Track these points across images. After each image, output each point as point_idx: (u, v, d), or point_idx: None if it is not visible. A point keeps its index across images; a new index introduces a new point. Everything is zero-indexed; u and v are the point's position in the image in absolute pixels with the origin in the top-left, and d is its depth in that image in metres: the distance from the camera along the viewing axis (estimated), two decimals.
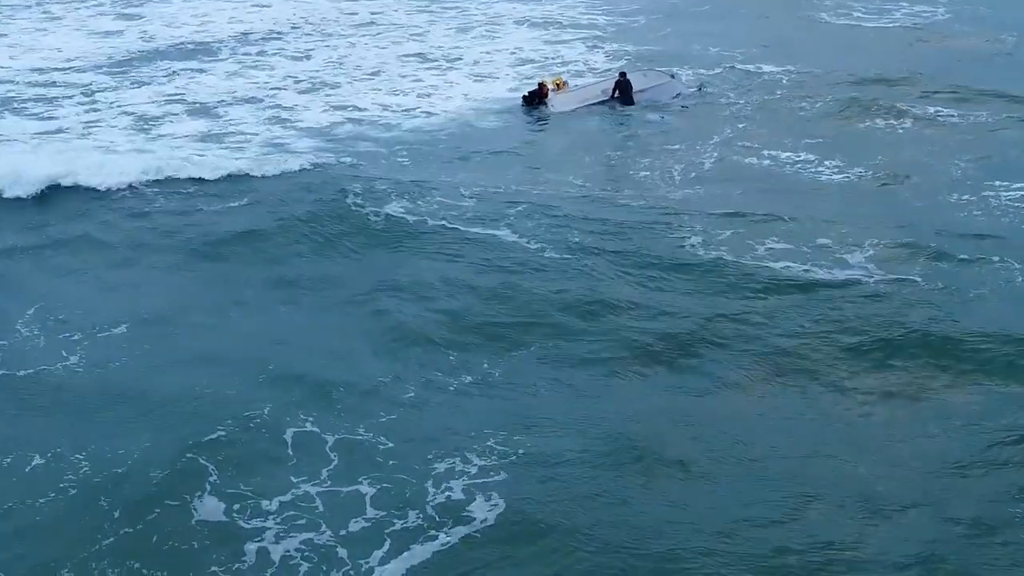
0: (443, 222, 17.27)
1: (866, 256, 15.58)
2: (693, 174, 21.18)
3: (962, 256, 15.50)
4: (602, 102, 27.14)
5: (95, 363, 12.90)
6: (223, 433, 11.11)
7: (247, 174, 19.86)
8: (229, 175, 19.79)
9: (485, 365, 12.68)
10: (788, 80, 28.56)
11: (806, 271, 15.10)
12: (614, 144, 24.06)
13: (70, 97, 27.59)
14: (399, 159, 22.37)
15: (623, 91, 27.05)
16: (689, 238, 16.36)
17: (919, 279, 14.75)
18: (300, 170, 20.23)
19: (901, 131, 23.72)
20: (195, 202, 18.74)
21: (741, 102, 26.83)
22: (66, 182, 19.48)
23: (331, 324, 13.97)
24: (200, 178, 19.63)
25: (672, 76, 28.31)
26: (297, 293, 15.04)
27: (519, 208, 17.90)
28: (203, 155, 21.25)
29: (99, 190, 19.30)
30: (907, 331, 13.15)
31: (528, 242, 16.39)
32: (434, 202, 18.17)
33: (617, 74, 27.63)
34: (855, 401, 11.87)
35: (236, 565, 9.40)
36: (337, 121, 25.57)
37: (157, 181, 19.60)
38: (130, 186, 19.42)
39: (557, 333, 13.47)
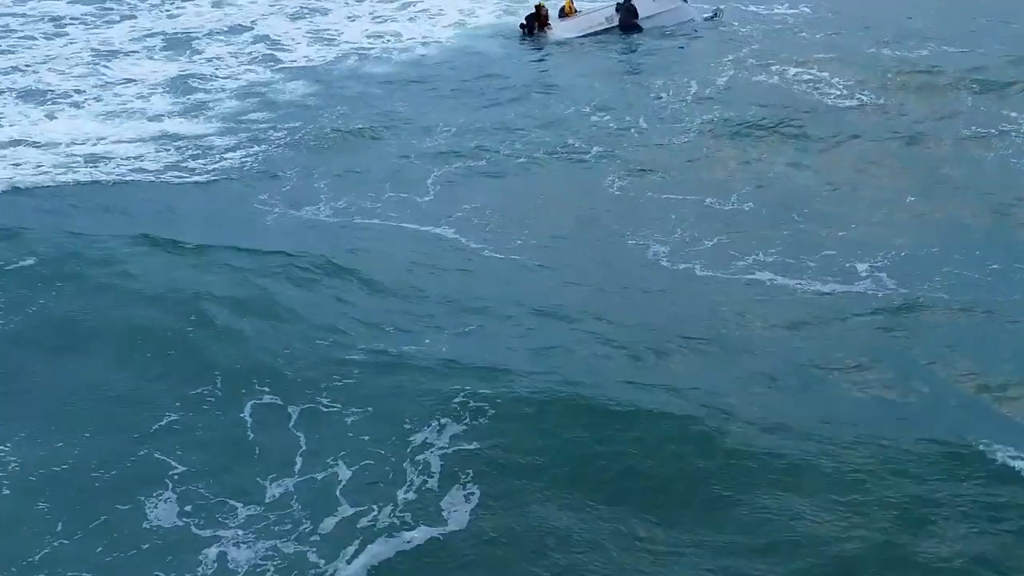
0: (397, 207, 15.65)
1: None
2: (707, 92, 20.22)
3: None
4: (606, 30, 25.41)
5: None
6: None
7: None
8: None
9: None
10: (799, 15, 26.54)
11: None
12: (619, 80, 22.15)
13: (40, 29, 25.93)
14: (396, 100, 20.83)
15: (627, 15, 25.24)
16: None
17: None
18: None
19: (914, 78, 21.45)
20: None
21: (746, 28, 25.11)
22: None
23: None
24: None
25: (684, 0, 26.42)
26: None
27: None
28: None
29: None
30: None
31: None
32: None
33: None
34: None
35: None
36: (329, 58, 23.83)
37: None
38: None
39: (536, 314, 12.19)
